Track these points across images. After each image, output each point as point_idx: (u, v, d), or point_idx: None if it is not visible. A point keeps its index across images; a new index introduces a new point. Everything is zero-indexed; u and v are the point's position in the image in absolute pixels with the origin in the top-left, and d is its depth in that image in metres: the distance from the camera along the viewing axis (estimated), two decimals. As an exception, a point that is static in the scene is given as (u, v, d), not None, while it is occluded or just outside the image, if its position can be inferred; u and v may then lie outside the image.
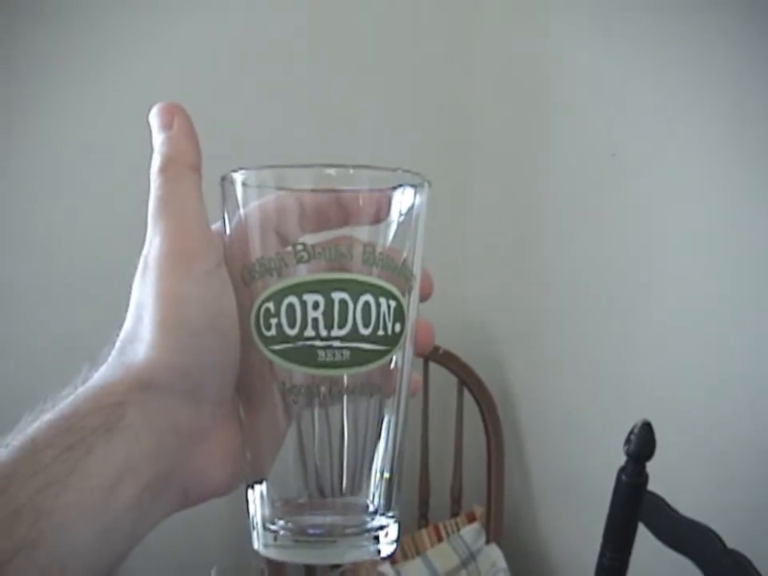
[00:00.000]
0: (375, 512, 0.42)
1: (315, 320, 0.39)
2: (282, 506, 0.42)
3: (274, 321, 0.39)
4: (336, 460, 0.41)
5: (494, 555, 1.66)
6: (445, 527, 1.71)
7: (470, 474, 1.75)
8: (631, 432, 1.03)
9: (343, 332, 0.39)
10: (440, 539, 1.70)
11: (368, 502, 0.42)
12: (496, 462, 1.70)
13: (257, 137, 1.47)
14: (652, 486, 1.05)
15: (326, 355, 0.39)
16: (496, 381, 1.76)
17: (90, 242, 1.39)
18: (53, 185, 1.39)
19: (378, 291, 0.40)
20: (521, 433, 1.77)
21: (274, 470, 0.42)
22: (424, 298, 0.44)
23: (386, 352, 0.40)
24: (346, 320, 0.39)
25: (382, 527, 0.42)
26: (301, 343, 0.39)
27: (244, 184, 0.41)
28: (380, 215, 0.41)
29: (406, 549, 1.69)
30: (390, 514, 0.42)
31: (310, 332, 0.39)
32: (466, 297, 1.87)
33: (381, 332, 0.40)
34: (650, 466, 1.04)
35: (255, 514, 0.42)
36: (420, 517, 1.74)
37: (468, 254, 1.86)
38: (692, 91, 1.22)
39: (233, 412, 0.42)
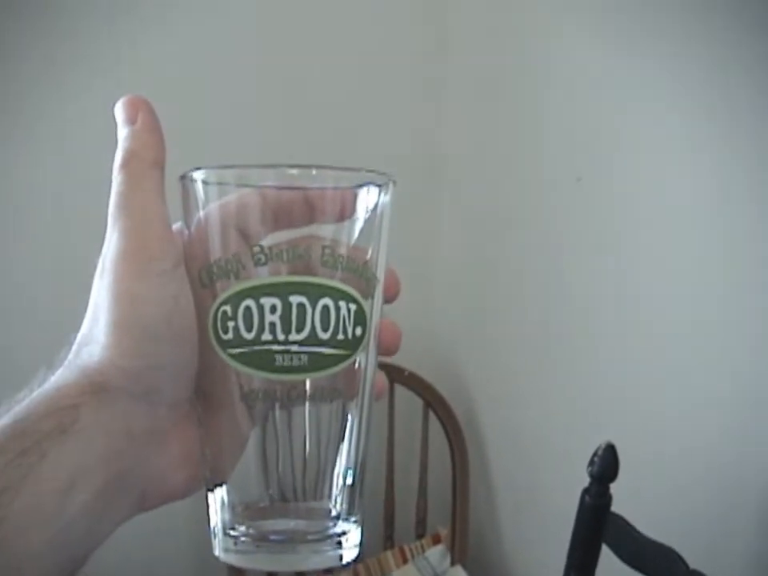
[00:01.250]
0: (338, 517, 0.41)
1: (272, 324, 0.38)
2: (242, 510, 0.41)
3: (231, 324, 0.38)
4: (297, 464, 0.41)
5: (459, 577, 1.66)
6: (410, 549, 1.71)
7: (436, 496, 1.75)
8: (595, 454, 1.04)
9: (301, 336, 0.38)
10: (405, 561, 1.69)
11: (330, 506, 0.41)
12: (461, 483, 1.70)
13: (232, 138, 1.48)
14: (616, 507, 1.07)
15: (283, 360, 0.38)
16: (461, 403, 1.77)
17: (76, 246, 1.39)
18: (41, 186, 1.40)
19: (337, 294, 0.39)
20: (486, 455, 1.78)
21: (235, 473, 0.41)
22: (390, 299, 0.44)
23: (346, 356, 0.40)
24: (304, 324, 0.38)
25: (344, 533, 0.41)
26: (258, 347, 0.38)
27: (204, 182, 0.40)
28: (344, 213, 0.40)
29: (372, 571, 1.68)
30: (353, 519, 0.42)
31: (267, 336, 0.38)
32: (431, 319, 1.87)
33: (340, 336, 0.39)
34: (614, 487, 1.05)
35: (216, 520, 0.41)
36: (385, 538, 1.74)
37: (434, 276, 1.87)
38: (658, 115, 1.24)
39: (191, 414, 0.42)
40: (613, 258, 1.37)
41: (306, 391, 0.39)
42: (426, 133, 1.84)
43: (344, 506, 0.41)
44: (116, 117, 0.41)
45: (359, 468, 0.42)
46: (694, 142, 1.20)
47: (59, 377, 0.39)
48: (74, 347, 0.40)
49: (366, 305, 0.40)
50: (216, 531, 0.41)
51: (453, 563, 1.68)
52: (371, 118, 1.74)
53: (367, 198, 0.40)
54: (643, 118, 1.27)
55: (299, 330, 0.38)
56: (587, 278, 1.44)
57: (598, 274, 1.41)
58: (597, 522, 1.07)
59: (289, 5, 1.61)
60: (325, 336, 0.39)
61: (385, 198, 0.41)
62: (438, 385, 1.73)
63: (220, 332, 0.39)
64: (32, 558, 0.35)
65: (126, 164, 0.40)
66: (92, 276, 0.40)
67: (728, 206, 1.16)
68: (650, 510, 1.14)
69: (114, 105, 0.42)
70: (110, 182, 0.40)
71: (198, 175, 0.40)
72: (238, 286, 0.38)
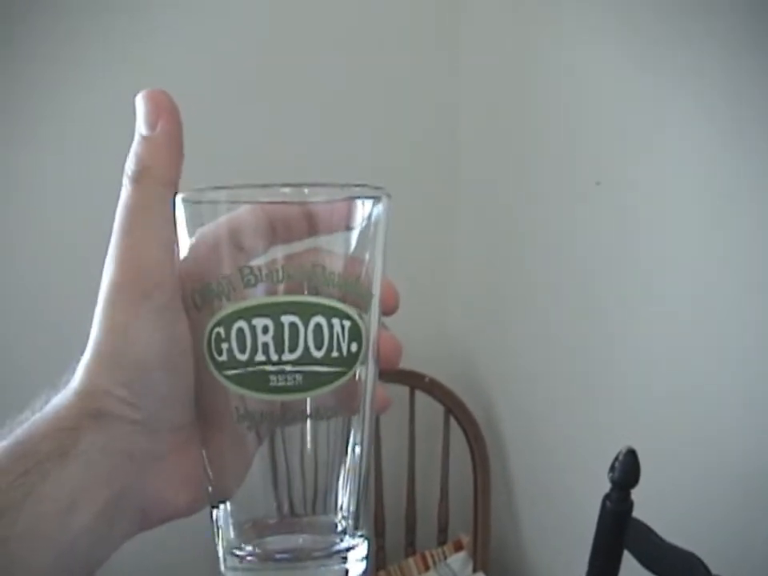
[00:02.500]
0: (344, 532, 0.41)
1: (265, 344, 0.38)
2: (247, 529, 0.41)
3: (225, 346, 0.38)
4: (301, 482, 0.41)
5: (482, 584, 1.66)
6: (432, 555, 1.71)
7: (457, 503, 1.75)
8: (616, 459, 1.04)
9: (294, 356, 0.38)
10: (427, 568, 1.70)
11: (336, 521, 0.41)
12: (482, 490, 1.70)
13: (241, 146, 1.49)
14: (637, 513, 1.06)
15: (277, 380, 0.38)
16: (482, 409, 1.77)
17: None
18: (42, 186, 1.41)
19: (330, 312, 0.39)
20: (507, 461, 1.77)
21: (238, 492, 0.41)
22: (389, 312, 0.43)
23: (342, 374, 0.40)
24: (297, 343, 0.38)
25: (350, 548, 0.41)
26: (252, 368, 0.38)
27: (197, 203, 0.40)
28: (340, 224, 0.40)
29: (394, 578, 1.69)
30: (359, 534, 0.42)
31: (260, 357, 0.38)
32: (451, 325, 1.88)
33: (335, 354, 0.39)
34: (635, 493, 1.05)
35: (221, 539, 0.41)
36: (407, 545, 1.74)
37: (453, 283, 1.88)
38: (677, 120, 1.24)
39: (192, 436, 0.42)
40: (631, 261, 1.36)
41: (303, 410, 0.39)
42: (442, 135, 1.84)
43: (350, 521, 0.41)
44: (136, 110, 0.39)
45: (362, 483, 0.42)
46: (711, 148, 1.19)
47: (59, 400, 0.39)
48: (77, 371, 0.40)
49: (360, 320, 0.40)
50: (222, 550, 0.41)
51: (475, 570, 1.68)
52: (385, 119, 1.75)
53: (362, 211, 0.40)
54: (665, 121, 1.27)
55: (292, 350, 0.38)
56: (606, 280, 1.43)
57: (616, 277, 1.40)
58: (618, 528, 1.06)
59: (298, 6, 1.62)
60: (319, 354, 0.39)
61: (379, 211, 0.41)
62: (458, 391, 1.73)
63: (215, 354, 0.39)
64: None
65: (137, 179, 0.39)
66: (95, 282, 0.40)
67: (748, 209, 1.15)
68: (671, 514, 1.14)
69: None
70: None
71: (190, 196, 0.40)
72: (229, 308, 0.38)
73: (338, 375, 0.39)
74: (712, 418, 1.22)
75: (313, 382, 0.39)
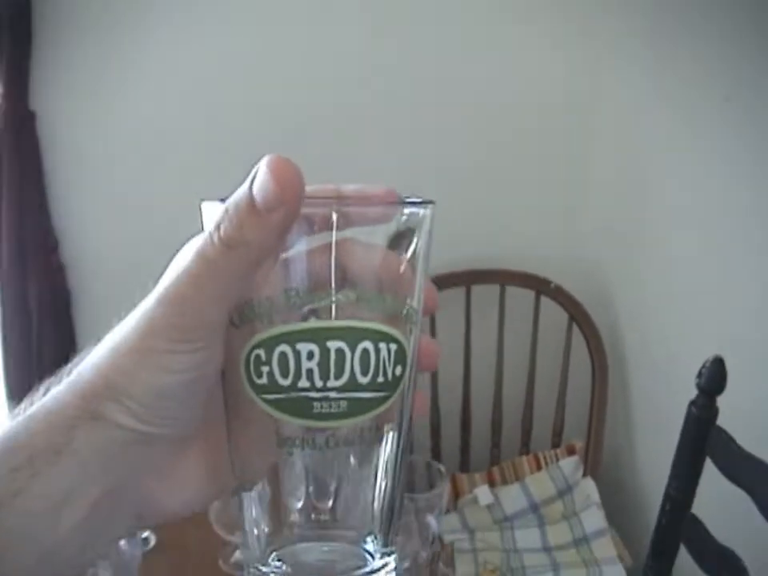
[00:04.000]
0: (372, 549, 0.40)
1: (310, 371, 0.36)
2: (275, 537, 0.40)
3: (265, 369, 0.37)
4: (332, 497, 0.40)
5: (589, 488, 1.70)
6: (545, 457, 1.76)
7: (574, 410, 1.79)
8: (703, 366, 1.06)
9: (340, 382, 0.36)
10: (539, 468, 1.75)
11: (367, 539, 0.40)
12: (599, 400, 1.73)
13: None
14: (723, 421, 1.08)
15: (321, 407, 0.37)
16: (605, 317, 1.79)
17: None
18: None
19: (377, 336, 0.37)
20: (627, 374, 1.79)
21: (270, 499, 0.40)
22: (429, 311, 0.41)
23: (386, 398, 0.38)
24: (342, 370, 0.36)
25: (374, 570, 0.40)
26: (295, 394, 0.36)
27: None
28: (380, 217, 0.38)
29: (506, 474, 1.75)
30: (388, 551, 0.41)
31: (304, 383, 0.36)
32: (580, 234, 1.89)
33: (380, 378, 0.37)
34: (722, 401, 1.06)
35: (250, 554, 0.41)
36: (521, 446, 1.80)
37: (584, 195, 1.88)
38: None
39: (192, 446, 0.41)
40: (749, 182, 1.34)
41: (344, 435, 0.38)
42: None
43: (380, 540, 0.41)
44: (257, 173, 0.34)
45: (395, 499, 0.41)
46: None
47: (59, 394, 0.37)
48: (84, 369, 0.37)
49: (405, 341, 0.38)
50: (250, 566, 0.41)
51: (584, 474, 1.72)
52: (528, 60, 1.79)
53: (406, 216, 0.39)
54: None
55: (338, 377, 0.36)
56: (733, 200, 1.41)
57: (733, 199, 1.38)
58: (701, 434, 1.09)
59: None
60: (364, 380, 0.37)
61: (423, 219, 0.39)
62: (584, 301, 1.75)
63: (253, 376, 0.37)
64: (24, 575, 0.36)
65: (231, 245, 0.34)
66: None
67: None
68: (754, 429, 1.14)
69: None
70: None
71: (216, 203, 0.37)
72: (272, 331, 0.37)
73: (382, 400, 0.38)
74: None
75: (357, 407, 0.37)
